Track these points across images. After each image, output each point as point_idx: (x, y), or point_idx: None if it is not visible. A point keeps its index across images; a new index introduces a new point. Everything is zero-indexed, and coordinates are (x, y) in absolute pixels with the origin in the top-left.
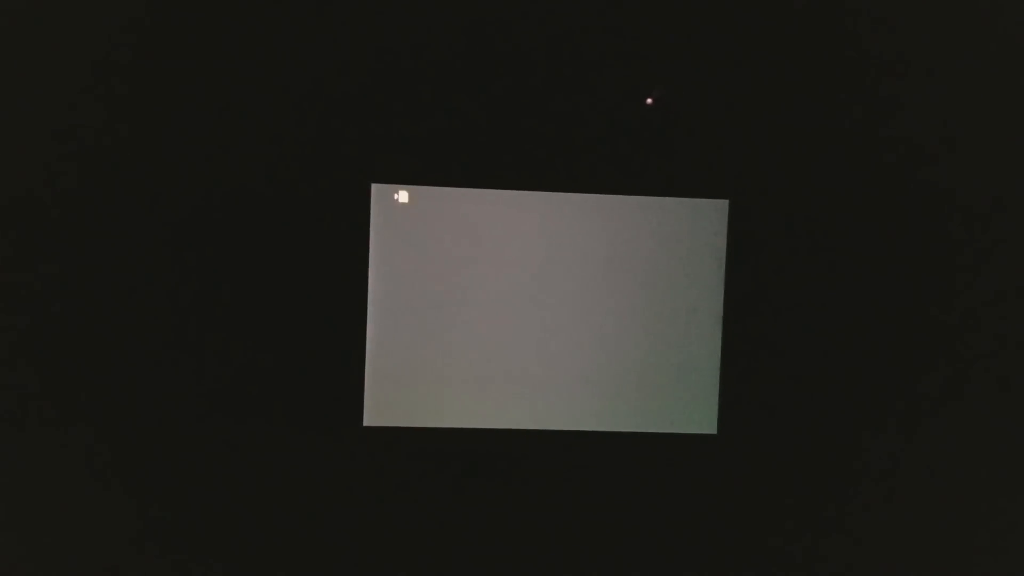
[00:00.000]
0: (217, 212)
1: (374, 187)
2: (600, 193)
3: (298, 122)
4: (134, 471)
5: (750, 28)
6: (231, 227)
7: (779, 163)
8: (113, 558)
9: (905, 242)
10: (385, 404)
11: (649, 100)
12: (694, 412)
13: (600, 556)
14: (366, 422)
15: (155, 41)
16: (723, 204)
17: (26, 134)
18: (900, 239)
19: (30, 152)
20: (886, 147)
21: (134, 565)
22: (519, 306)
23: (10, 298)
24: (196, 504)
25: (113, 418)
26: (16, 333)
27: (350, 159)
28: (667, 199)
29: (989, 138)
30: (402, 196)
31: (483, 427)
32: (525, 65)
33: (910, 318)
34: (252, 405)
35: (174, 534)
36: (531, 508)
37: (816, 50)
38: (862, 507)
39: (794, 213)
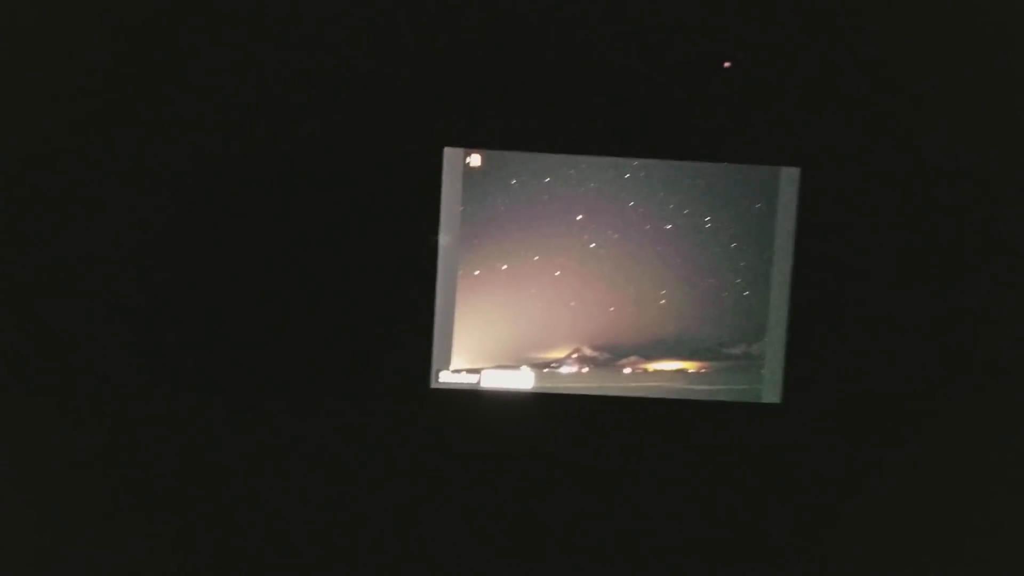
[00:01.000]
0: (287, 179)
1: (446, 151)
2: (670, 159)
3: (369, 89)
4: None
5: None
6: (299, 193)
7: (852, 132)
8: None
9: (977, 217)
10: (453, 366)
11: (727, 64)
12: (760, 381)
13: (664, 523)
14: (433, 384)
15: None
16: (794, 172)
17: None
18: (972, 213)
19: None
20: (961, 123)
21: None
22: (589, 271)
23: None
24: (268, 469)
25: (179, 384)
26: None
27: (422, 123)
28: (740, 166)
29: None
30: (474, 159)
31: (546, 390)
32: (599, 32)
33: (989, 294)
34: (322, 370)
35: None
36: (597, 473)
37: (894, 23)
38: (923, 480)
39: (866, 181)
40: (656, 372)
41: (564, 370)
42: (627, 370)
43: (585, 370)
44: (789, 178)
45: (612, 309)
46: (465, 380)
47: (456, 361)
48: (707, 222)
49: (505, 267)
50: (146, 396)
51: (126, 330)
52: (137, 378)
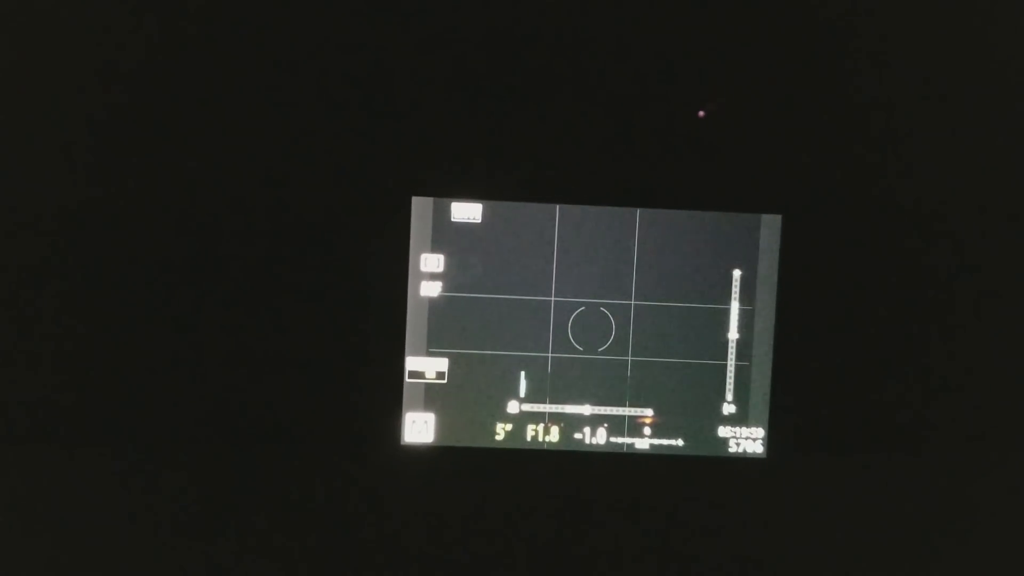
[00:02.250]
0: (259, 229)
1: (415, 200)
2: (654, 208)
3: (340, 137)
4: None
5: (806, 36)
6: (265, 242)
7: (836, 177)
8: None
9: (973, 261)
10: (425, 423)
11: (701, 113)
12: (743, 434)
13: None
14: (405, 440)
15: (192, 53)
16: (776, 219)
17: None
18: (966, 257)
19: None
20: (950, 164)
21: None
22: (566, 321)
23: (55, 306)
24: (242, 522)
25: (147, 440)
26: (61, 340)
27: (391, 173)
28: (722, 213)
29: None
30: (459, 213)
31: (524, 448)
32: (578, 81)
33: (978, 339)
34: (289, 425)
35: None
36: (576, 527)
37: (869, 72)
38: (915, 539)
39: (851, 228)
40: (638, 425)
41: (538, 426)
42: (606, 424)
43: (561, 425)
44: (770, 225)
45: (590, 357)
46: (428, 439)
47: (426, 417)
48: (691, 267)
49: (476, 311)
50: (106, 447)
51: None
52: (96, 429)
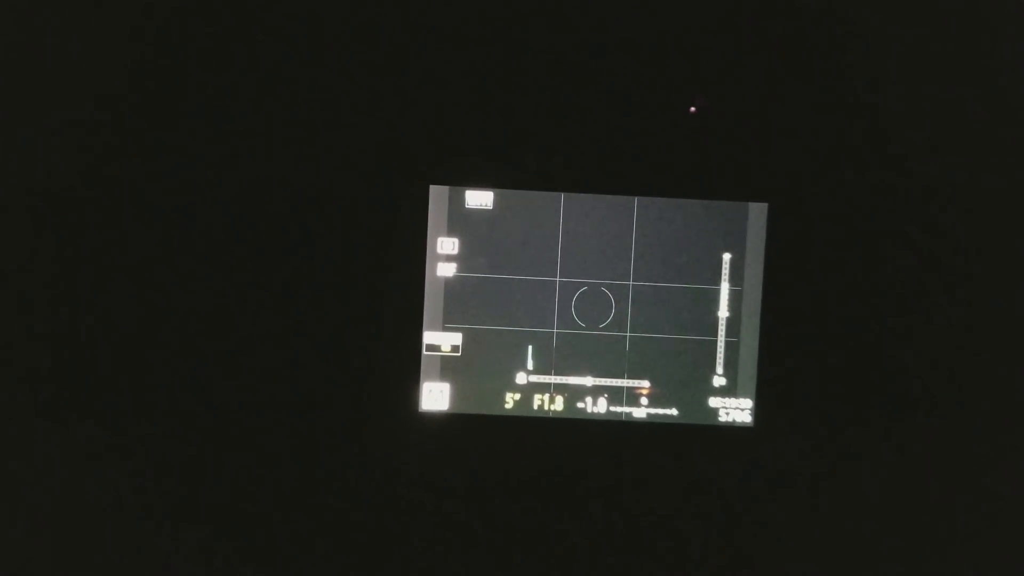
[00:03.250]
0: (281, 214)
1: (432, 188)
2: (650, 196)
3: (358, 125)
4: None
5: (789, 38)
6: (290, 227)
7: (817, 167)
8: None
9: (945, 243)
10: (441, 392)
11: (692, 108)
12: (732, 404)
13: (636, 546)
14: (422, 407)
15: (212, 46)
16: (763, 207)
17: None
18: (938, 240)
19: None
20: (923, 153)
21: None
22: (570, 300)
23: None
24: (261, 491)
25: (170, 413)
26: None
27: (411, 164)
28: (712, 201)
29: None
30: (473, 200)
31: (531, 415)
32: (581, 80)
33: (949, 317)
34: (315, 393)
35: (227, 518)
36: (577, 489)
37: (852, 59)
38: (893, 502)
39: (832, 215)
40: (634, 395)
41: (545, 395)
42: (605, 394)
43: (565, 395)
44: (757, 213)
45: (589, 332)
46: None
47: (440, 391)
48: (681, 252)
49: (490, 294)
50: (135, 415)
51: (122, 351)
52: (121, 399)
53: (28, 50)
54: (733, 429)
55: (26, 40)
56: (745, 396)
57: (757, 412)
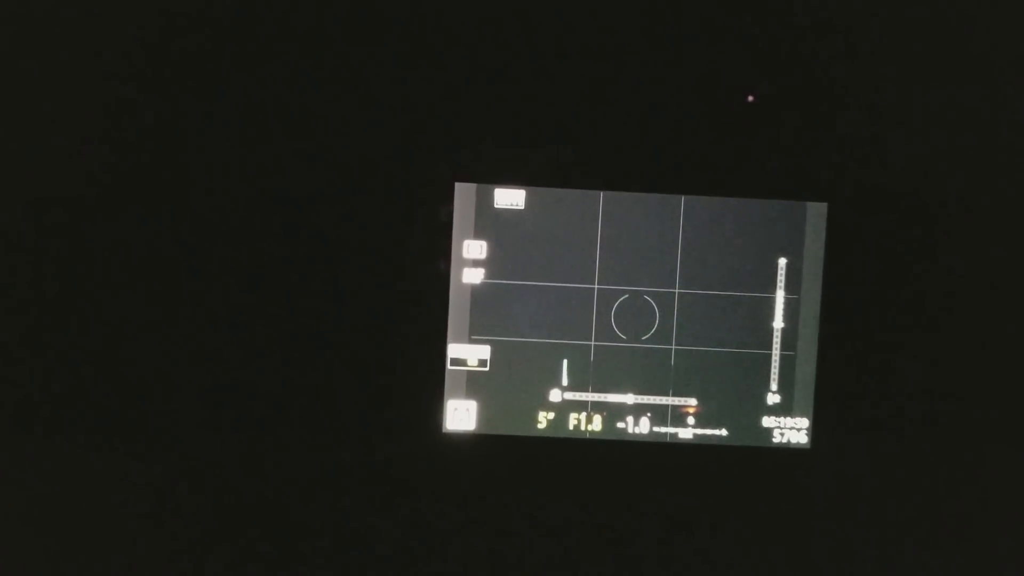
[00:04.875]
0: (294, 216)
1: (458, 186)
2: (697, 195)
3: (383, 122)
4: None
5: (854, 29)
6: (303, 230)
7: (882, 164)
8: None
9: (1010, 246)
10: (467, 411)
11: (751, 98)
12: (787, 424)
13: (689, 568)
14: (447, 427)
15: (236, 42)
16: (822, 207)
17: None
18: (1003, 244)
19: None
20: (992, 150)
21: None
22: (609, 309)
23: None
24: (281, 506)
25: (188, 429)
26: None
27: (435, 158)
28: (765, 201)
29: None
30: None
31: (566, 437)
32: (623, 66)
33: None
34: (331, 410)
35: (248, 537)
36: (617, 516)
37: (921, 53)
38: (960, 524)
39: (897, 216)
40: (680, 415)
41: (581, 413)
42: (649, 413)
43: (604, 413)
44: (816, 214)
45: (636, 346)
46: (472, 427)
47: (469, 401)
48: (735, 256)
49: (517, 302)
50: (162, 433)
51: (142, 367)
52: (151, 416)
53: (29, 52)
54: (788, 451)
55: (28, 42)
56: (801, 415)
57: (814, 433)
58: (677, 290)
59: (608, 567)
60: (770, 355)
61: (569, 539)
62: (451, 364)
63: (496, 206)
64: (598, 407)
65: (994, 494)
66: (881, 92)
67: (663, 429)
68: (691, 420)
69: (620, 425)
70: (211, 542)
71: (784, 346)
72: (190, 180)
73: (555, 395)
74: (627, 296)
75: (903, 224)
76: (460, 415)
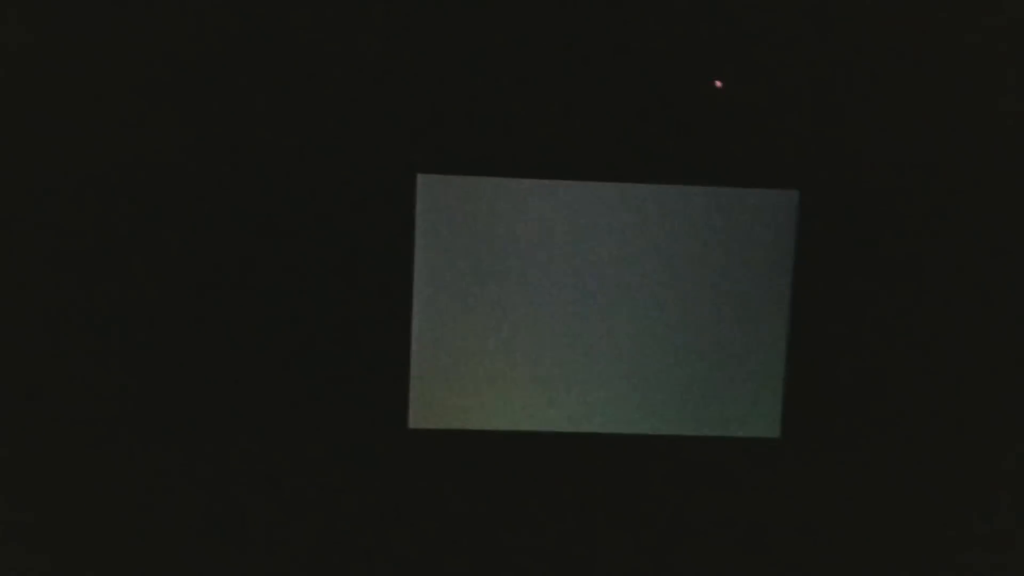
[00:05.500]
0: (259, 208)
1: (420, 177)
2: (659, 184)
3: (342, 113)
4: (165, 474)
5: (820, 13)
6: (270, 222)
7: (852, 152)
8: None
9: (986, 238)
10: (431, 406)
11: (719, 83)
12: (756, 414)
13: (654, 563)
14: (411, 424)
15: (189, 31)
16: (793, 195)
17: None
18: (981, 234)
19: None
20: (967, 136)
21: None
22: (571, 302)
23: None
24: (241, 507)
25: (144, 421)
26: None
27: (395, 149)
28: (732, 189)
29: None
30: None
31: (531, 430)
32: (583, 51)
33: (994, 327)
34: (295, 407)
35: (209, 537)
36: (583, 513)
37: (883, 35)
38: (932, 516)
39: (867, 204)
40: (649, 406)
41: (550, 410)
42: (617, 405)
43: (573, 407)
44: (786, 202)
45: (601, 341)
46: (444, 423)
47: (433, 400)
48: (701, 247)
49: (484, 300)
50: (112, 433)
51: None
52: (103, 412)
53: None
54: (757, 442)
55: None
56: (772, 406)
57: (784, 423)
58: (642, 277)
59: (575, 558)
60: (738, 344)
61: (537, 534)
62: (415, 359)
63: (459, 197)
64: (564, 398)
65: (972, 484)
66: (857, 71)
67: (629, 421)
68: (658, 412)
69: (587, 418)
70: (171, 547)
71: (756, 336)
72: (140, 173)
73: (522, 389)
74: (593, 285)
75: (877, 211)
76: (424, 411)
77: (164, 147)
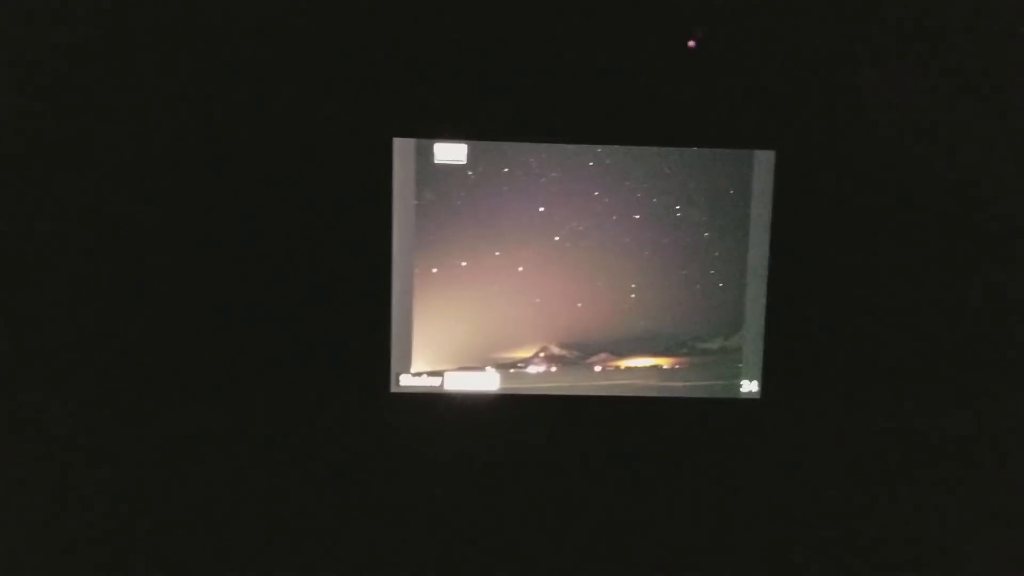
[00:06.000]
0: (231, 178)
1: (396, 141)
2: (637, 145)
3: (317, 79)
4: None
5: None
6: (244, 193)
7: (829, 112)
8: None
9: (960, 202)
10: (414, 368)
11: (691, 43)
12: (737, 375)
13: (641, 525)
14: (393, 388)
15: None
16: (769, 155)
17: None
18: (962, 195)
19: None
20: (943, 102)
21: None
22: (554, 266)
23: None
24: (226, 476)
25: (141, 391)
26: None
27: (371, 114)
28: (711, 150)
29: None
30: (441, 153)
31: (515, 392)
32: (558, 13)
33: (965, 284)
34: (277, 375)
35: (198, 508)
36: (567, 474)
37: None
38: (909, 474)
39: (844, 165)
40: (628, 369)
41: (531, 370)
42: (598, 368)
43: (553, 369)
44: (764, 162)
45: (580, 305)
46: (427, 383)
47: (417, 364)
48: (677, 210)
49: (465, 263)
50: (103, 400)
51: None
52: (95, 382)
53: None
54: (739, 402)
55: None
56: (752, 367)
57: (765, 384)
58: (619, 241)
59: (565, 527)
60: (721, 307)
61: (525, 495)
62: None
63: (436, 161)
64: (551, 361)
65: (951, 444)
66: (835, 26)
67: (619, 382)
68: (643, 372)
69: (575, 379)
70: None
71: (734, 294)
72: (110, 151)
73: (507, 351)
74: (573, 245)
75: (855, 173)
76: (407, 375)
77: (145, 118)
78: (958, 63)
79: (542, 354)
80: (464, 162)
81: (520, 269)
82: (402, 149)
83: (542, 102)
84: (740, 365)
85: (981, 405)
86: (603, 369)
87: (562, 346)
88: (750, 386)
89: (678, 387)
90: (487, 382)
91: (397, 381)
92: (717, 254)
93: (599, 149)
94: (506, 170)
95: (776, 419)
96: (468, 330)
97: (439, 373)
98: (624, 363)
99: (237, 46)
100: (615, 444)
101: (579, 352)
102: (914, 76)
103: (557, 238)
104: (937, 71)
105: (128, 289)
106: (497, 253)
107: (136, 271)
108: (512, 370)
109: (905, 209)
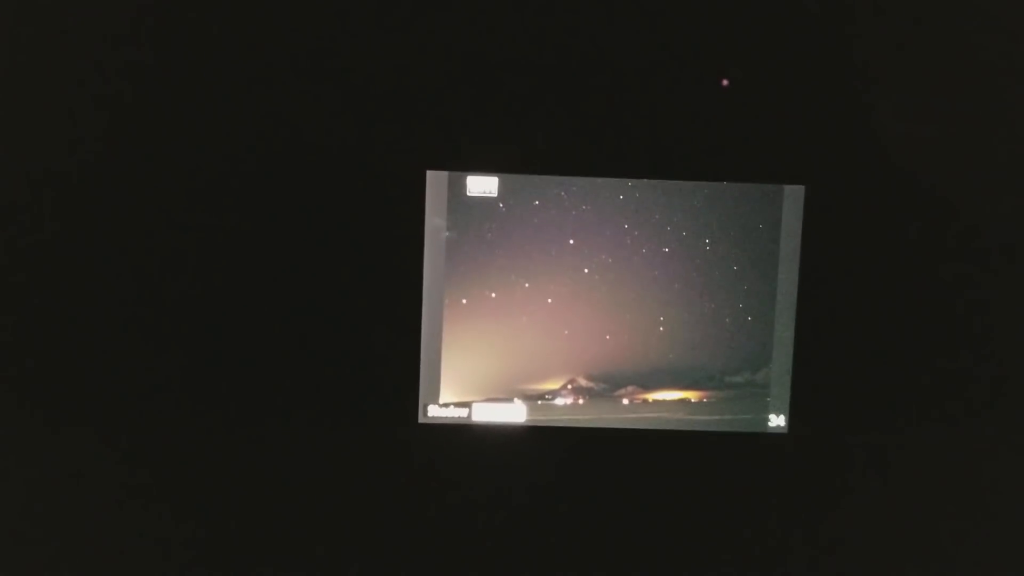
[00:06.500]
0: (266, 206)
1: (429, 174)
2: (670, 179)
3: (354, 113)
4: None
5: (831, 14)
6: (285, 221)
7: (859, 149)
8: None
9: (993, 234)
10: (442, 399)
11: (725, 82)
12: (765, 409)
13: (664, 556)
14: (421, 418)
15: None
16: (799, 190)
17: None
18: (986, 230)
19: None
20: (972, 141)
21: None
22: (583, 298)
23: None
24: (256, 505)
25: (164, 417)
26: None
27: (405, 146)
28: (740, 185)
29: None
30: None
31: (542, 423)
32: (592, 50)
33: (995, 320)
34: (307, 402)
35: (226, 530)
36: (594, 506)
37: (901, 39)
38: (936, 509)
39: (873, 200)
40: (656, 402)
41: (559, 402)
42: (625, 400)
43: (581, 401)
44: (794, 197)
45: (608, 337)
46: (454, 414)
47: (445, 394)
48: (707, 244)
49: (494, 295)
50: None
51: (126, 349)
52: (129, 399)
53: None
54: (766, 436)
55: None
56: (780, 400)
57: (792, 418)
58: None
59: (592, 558)
60: (747, 340)
61: (548, 527)
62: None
63: (468, 194)
64: (578, 394)
65: (984, 479)
66: (863, 69)
67: (647, 415)
68: (671, 407)
69: (601, 413)
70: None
71: (762, 328)
72: (151, 172)
73: (535, 384)
74: (601, 279)
75: (883, 207)
76: (438, 406)
77: (185, 148)
78: (988, 102)
79: (570, 386)
80: (496, 195)
81: (549, 301)
82: (435, 181)
83: (573, 136)
84: (768, 399)
85: (1017, 440)
86: (631, 402)
87: (590, 378)
88: (778, 420)
89: (706, 420)
90: (514, 413)
91: (425, 412)
92: (746, 288)
93: (629, 183)
94: (537, 203)
95: (803, 453)
96: (496, 361)
97: (467, 404)
98: (652, 396)
99: (272, 81)
100: (642, 477)
101: (607, 384)
102: (944, 115)
103: (586, 270)
104: (968, 110)
105: (166, 321)
106: (527, 285)
107: (174, 304)
108: (540, 402)
109: (933, 245)
